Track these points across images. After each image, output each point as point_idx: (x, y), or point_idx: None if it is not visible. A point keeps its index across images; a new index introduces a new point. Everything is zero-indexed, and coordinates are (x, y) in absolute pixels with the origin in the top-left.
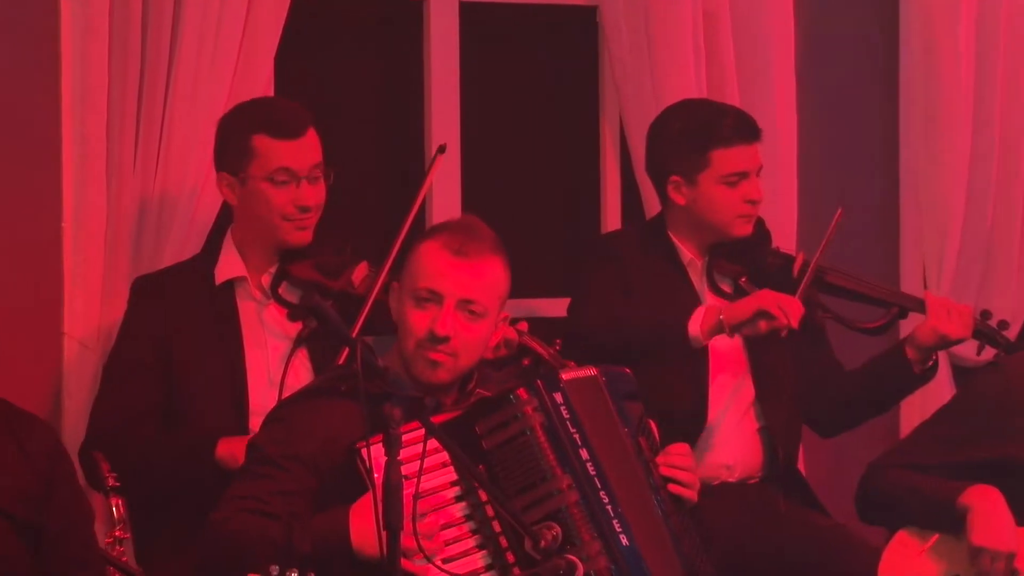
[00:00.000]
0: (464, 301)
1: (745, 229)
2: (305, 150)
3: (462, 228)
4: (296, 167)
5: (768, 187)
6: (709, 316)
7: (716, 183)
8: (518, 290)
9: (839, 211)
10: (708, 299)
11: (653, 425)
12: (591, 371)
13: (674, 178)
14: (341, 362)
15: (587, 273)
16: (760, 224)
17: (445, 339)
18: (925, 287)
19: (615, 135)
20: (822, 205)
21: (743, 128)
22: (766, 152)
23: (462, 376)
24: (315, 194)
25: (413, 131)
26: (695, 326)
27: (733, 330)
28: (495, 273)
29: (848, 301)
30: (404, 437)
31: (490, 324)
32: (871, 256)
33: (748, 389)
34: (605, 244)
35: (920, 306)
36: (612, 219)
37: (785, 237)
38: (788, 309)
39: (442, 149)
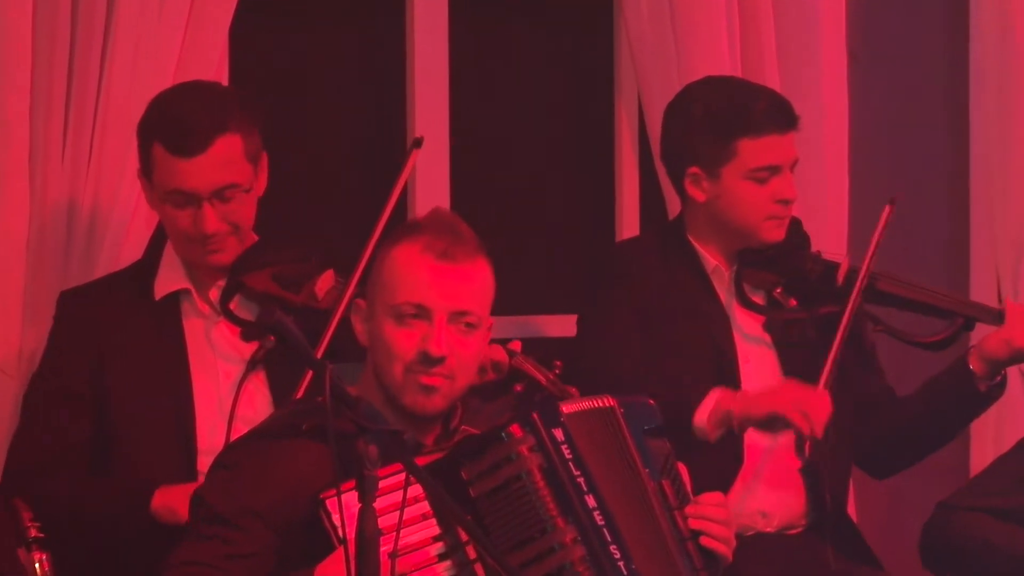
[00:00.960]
0: (457, 314)
1: (776, 234)
2: (206, 170)
3: (443, 227)
4: (193, 189)
5: (815, 184)
6: (721, 406)
7: (742, 178)
8: (513, 305)
9: (888, 206)
10: (736, 314)
11: (683, 469)
12: (606, 401)
13: (692, 170)
14: (300, 394)
15: (598, 306)
16: (796, 226)
17: (441, 359)
18: (999, 299)
19: (633, 123)
20: (877, 204)
21: (778, 114)
22: (812, 143)
23: (457, 400)
24: (219, 219)
25: (393, 120)
26: (703, 415)
27: (742, 428)
28: (485, 276)
29: (905, 312)
30: (380, 483)
31: (484, 336)
32: (935, 262)
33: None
34: (616, 262)
35: (995, 317)
36: (629, 221)
37: (834, 241)
38: (813, 414)
39: (418, 143)
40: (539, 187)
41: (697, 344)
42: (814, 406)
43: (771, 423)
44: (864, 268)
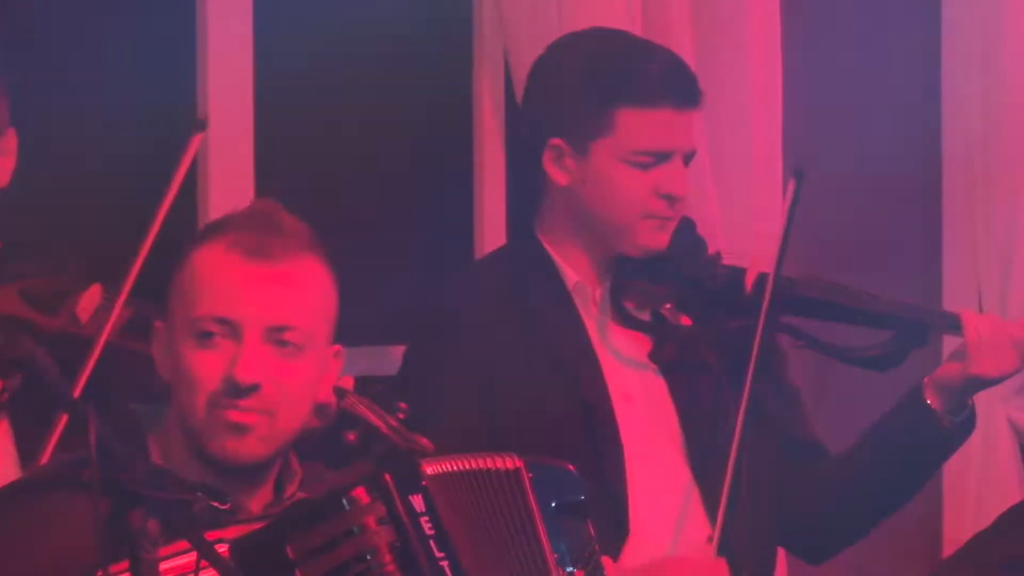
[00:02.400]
0: (275, 329)
1: (653, 238)
2: None
3: (256, 219)
4: None
5: (740, 179)
6: None
7: (618, 159)
8: (348, 335)
9: (792, 180)
10: (614, 338)
11: (608, 564)
12: (507, 462)
13: (555, 141)
14: (52, 445)
15: (421, 363)
16: (686, 227)
17: (252, 388)
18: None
19: (497, 96)
20: (825, 211)
21: (675, 83)
22: (737, 124)
23: (285, 447)
24: None
25: (181, 96)
26: None
27: None
28: (315, 280)
29: (838, 323)
30: (164, 566)
31: (317, 362)
32: (899, 272)
33: (683, 472)
34: (439, 312)
35: (952, 324)
36: (493, 224)
37: (764, 261)
38: None
39: (201, 126)
40: (375, 181)
41: (559, 399)
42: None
43: None
44: (776, 256)
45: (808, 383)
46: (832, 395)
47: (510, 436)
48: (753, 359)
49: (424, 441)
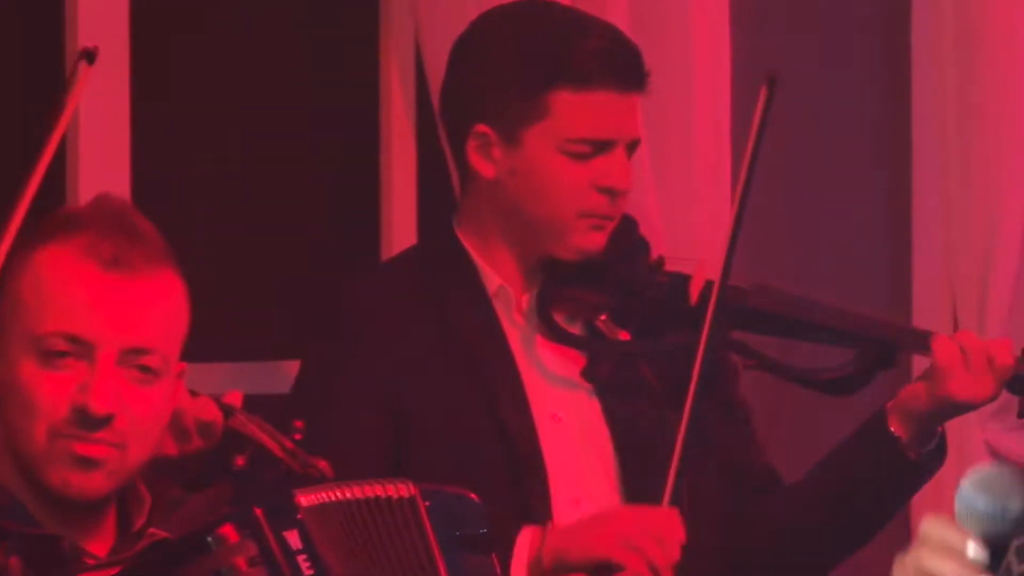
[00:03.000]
0: (132, 351)
1: (591, 240)
2: None
3: (110, 221)
4: None
5: (683, 172)
6: (533, 549)
7: (553, 148)
8: (230, 347)
9: (764, 87)
10: (541, 354)
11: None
12: (400, 490)
13: (481, 128)
14: None
15: (318, 380)
16: (628, 228)
17: (107, 419)
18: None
19: (407, 75)
20: (777, 206)
21: (617, 62)
22: (679, 108)
23: (131, 481)
24: None
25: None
26: (519, 567)
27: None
28: (173, 297)
29: (795, 341)
30: None
31: (169, 387)
32: (862, 282)
33: (616, 503)
34: (344, 314)
35: (922, 342)
36: (402, 216)
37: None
38: (651, 550)
39: (88, 55)
40: (265, 175)
41: (476, 419)
42: (654, 535)
43: (596, 571)
44: (723, 262)
45: (761, 406)
46: (787, 420)
47: (419, 460)
48: (694, 379)
49: (323, 464)
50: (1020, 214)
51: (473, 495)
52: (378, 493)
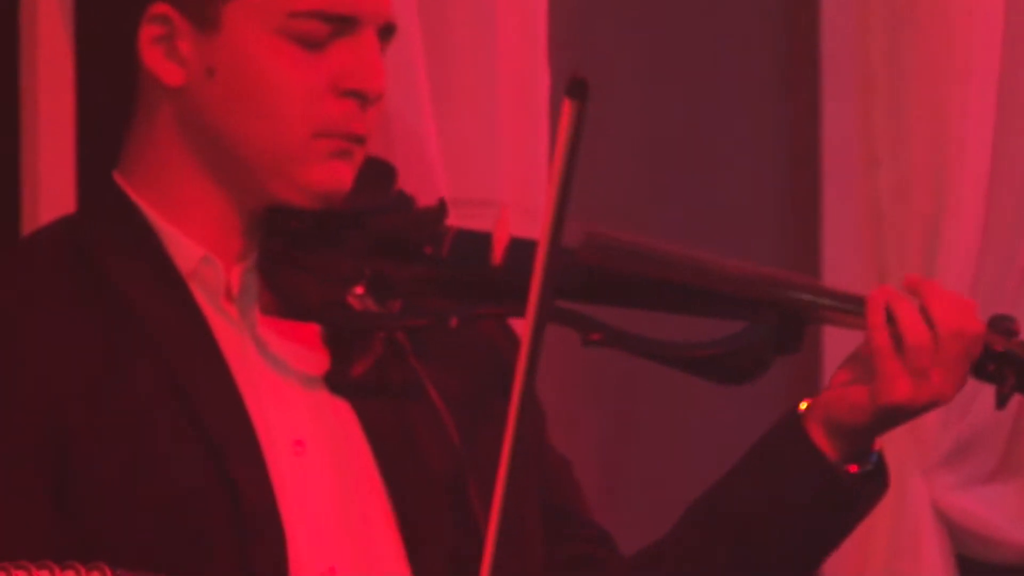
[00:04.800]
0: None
1: (330, 175)
2: None
3: None
4: None
5: (478, 99)
6: None
7: (270, 29)
8: None
9: (567, 99)
10: (271, 349)
11: None
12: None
13: (159, 9)
14: None
15: None
16: (380, 170)
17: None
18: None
19: None
20: (627, 124)
21: None
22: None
23: None
24: None
25: None
26: None
27: None
28: None
29: (653, 312)
30: None
31: None
32: (753, 227)
33: (394, 553)
34: None
35: (846, 308)
36: (53, 168)
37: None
38: None
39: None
40: None
41: (177, 457)
42: None
43: None
44: (552, 210)
45: (611, 401)
46: (648, 431)
47: (110, 528)
48: (520, 374)
49: None
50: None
51: None
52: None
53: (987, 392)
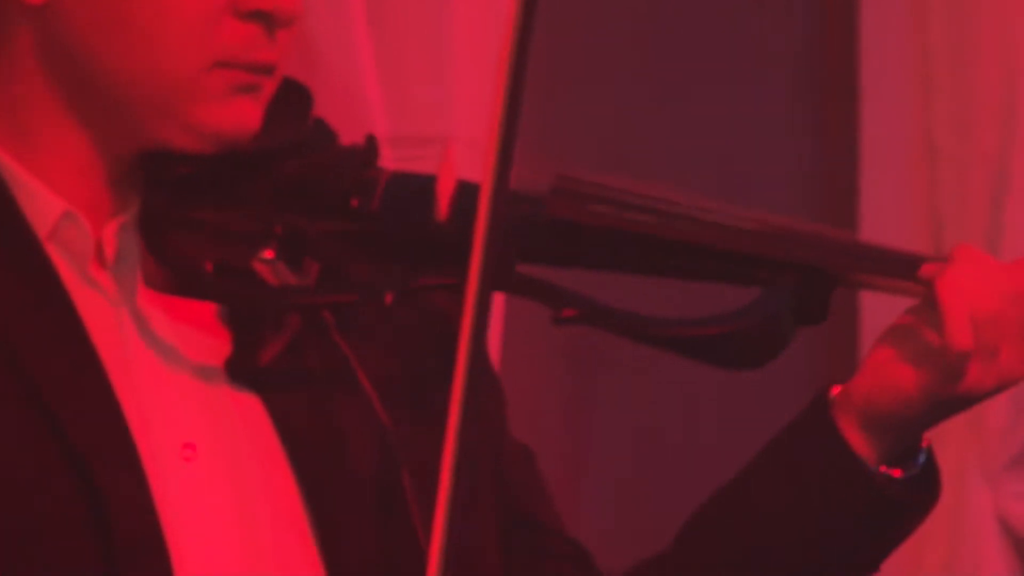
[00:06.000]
0: None
1: (232, 113)
2: None
3: None
4: None
5: (423, 25)
6: None
7: None
8: None
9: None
10: (154, 328)
11: None
12: None
13: None
14: None
15: None
16: (297, 101)
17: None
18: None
19: None
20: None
21: None
22: None
23: None
24: None
25: None
26: None
27: None
28: None
29: (646, 276)
30: None
31: None
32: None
33: (303, 563)
34: None
35: (898, 270)
36: None
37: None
38: None
39: None
40: None
41: (35, 476)
42: None
43: None
44: (496, 146)
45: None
46: (647, 423)
47: None
48: (463, 351)
49: None
50: None
51: None
52: None
53: None
